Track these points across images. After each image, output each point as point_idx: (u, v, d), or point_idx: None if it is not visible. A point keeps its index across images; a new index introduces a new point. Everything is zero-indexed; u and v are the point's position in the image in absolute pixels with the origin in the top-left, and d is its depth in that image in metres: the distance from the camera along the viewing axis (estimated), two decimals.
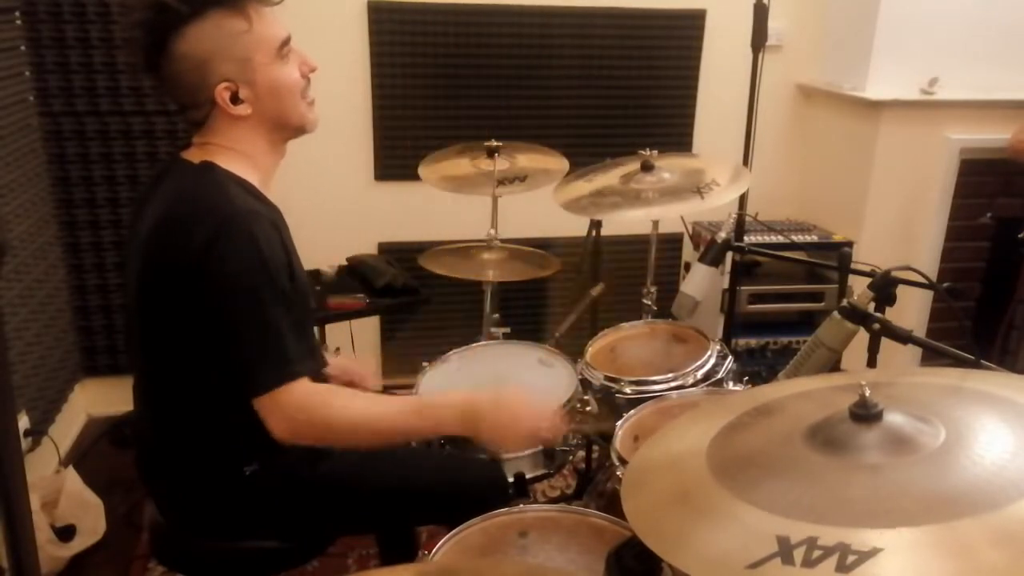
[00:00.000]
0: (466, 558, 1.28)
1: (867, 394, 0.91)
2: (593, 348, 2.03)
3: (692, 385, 1.82)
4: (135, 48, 1.37)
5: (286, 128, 1.45)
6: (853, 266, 1.78)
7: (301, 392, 1.32)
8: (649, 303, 2.34)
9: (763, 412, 1.07)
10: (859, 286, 1.58)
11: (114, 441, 2.87)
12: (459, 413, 1.42)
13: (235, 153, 1.41)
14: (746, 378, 1.99)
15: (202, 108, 1.38)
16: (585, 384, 1.87)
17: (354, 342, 2.75)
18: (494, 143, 2.41)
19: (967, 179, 3.22)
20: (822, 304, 3.16)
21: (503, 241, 2.44)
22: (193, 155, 1.41)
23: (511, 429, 1.42)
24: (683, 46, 3.26)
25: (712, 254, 1.99)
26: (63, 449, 2.76)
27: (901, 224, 3.25)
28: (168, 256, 1.34)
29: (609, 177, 2.18)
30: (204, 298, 1.30)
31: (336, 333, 2.66)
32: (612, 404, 1.83)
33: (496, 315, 2.49)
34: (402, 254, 3.06)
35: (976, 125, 3.16)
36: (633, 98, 3.26)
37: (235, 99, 1.37)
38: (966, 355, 1.44)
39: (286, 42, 1.40)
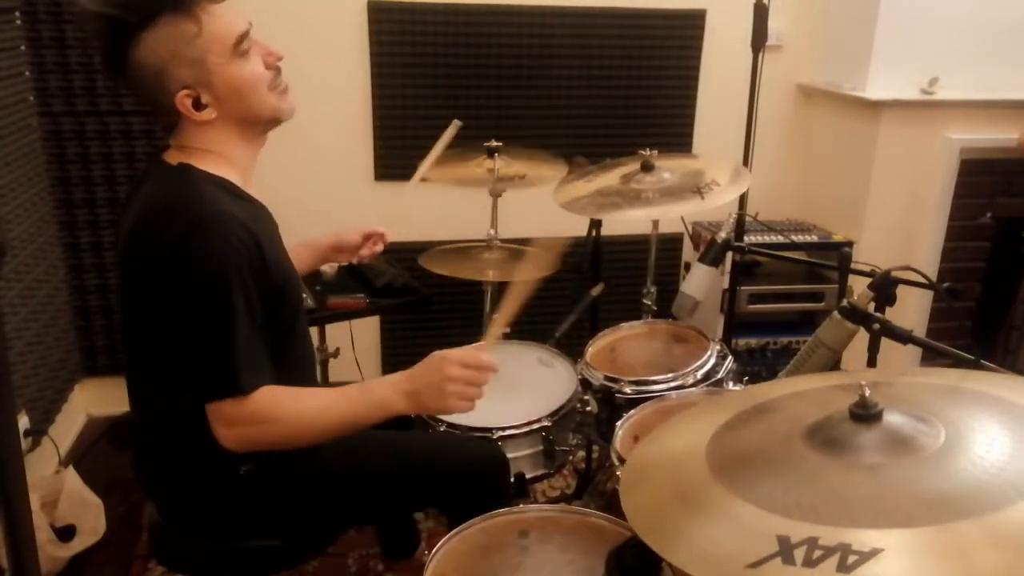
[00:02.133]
0: (466, 558, 1.28)
1: (867, 394, 0.91)
2: (593, 348, 2.03)
3: (692, 385, 1.82)
4: (98, 58, 1.37)
5: (257, 123, 1.44)
6: (853, 266, 1.79)
7: (250, 404, 1.31)
8: (649, 303, 2.34)
9: (762, 411, 1.07)
10: (859, 286, 1.58)
11: (114, 441, 2.87)
12: (397, 389, 1.40)
13: (211, 154, 1.40)
14: (746, 378, 1.99)
15: (169, 114, 1.38)
16: (585, 384, 1.87)
17: (354, 342, 2.75)
18: (494, 143, 2.41)
19: (967, 179, 3.22)
20: (822, 304, 3.16)
21: (503, 241, 2.44)
22: (171, 157, 1.41)
23: (446, 385, 1.38)
24: (683, 46, 3.25)
25: (712, 254, 1.99)
26: (63, 449, 2.76)
27: (901, 224, 3.25)
28: (141, 257, 1.34)
29: (609, 177, 2.18)
30: (171, 300, 1.30)
31: (336, 333, 2.66)
32: (612, 404, 1.83)
33: (496, 315, 2.49)
34: (402, 254, 3.06)
35: (976, 125, 3.15)
36: (633, 98, 3.26)
37: (198, 105, 1.36)
38: (966, 355, 1.44)
39: (243, 37, 1.37)
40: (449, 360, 1.39)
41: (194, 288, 1.29)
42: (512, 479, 1.69)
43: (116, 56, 1.33)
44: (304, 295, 2.43)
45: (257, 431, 1.34)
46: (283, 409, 1.36)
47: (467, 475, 1.55)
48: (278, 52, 1.44)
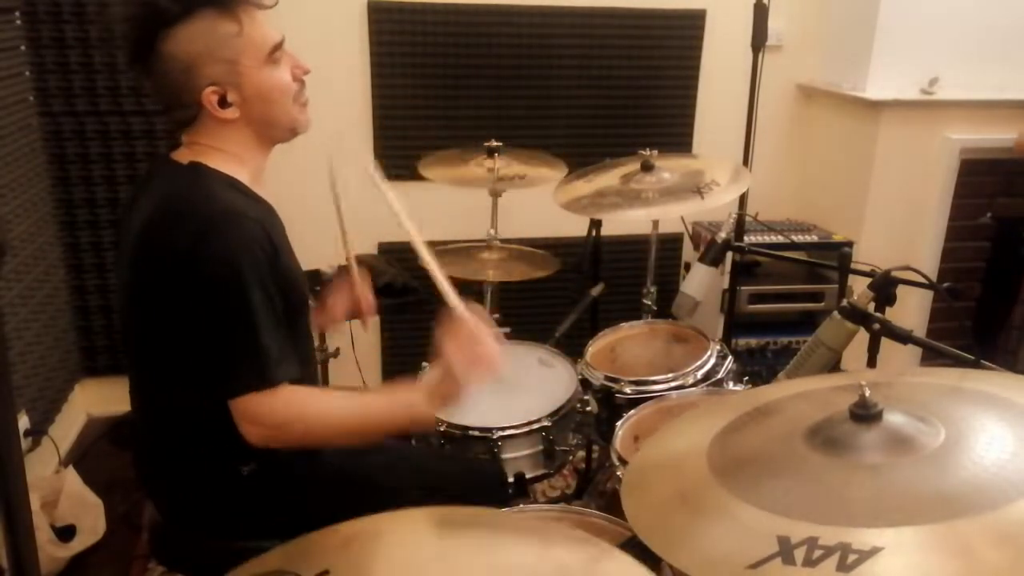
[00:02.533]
0: None
1: (867, 394, 0.91)
2: (593, 348, 2.03)
3: (692, 385, 1.82)
4: (121, 44, 1.36)
5: (276, 130, 1.45)
6: (853, 266, 1.79)
7: (276, 399, 1.31)
8: (649, 303, 2.34)
9: (763, 412, 1.07)
10: (859, 286, 1.58)
11: (114, 441, 2.87)
12: (421, 388, 1.41)
13: (224, 153, 1.40)
14: (746, 378, 1.99)
15: (189, 109, 1.37)
16: (585, 384, 1.87)
17: (354, 342, 2.75)
18: (494, 143, 2.41)
19: (967, 179, 3.22)
20: (822, 304, 3.16)
21: (503, 241, 2.44)
22: (182, 155, 1.41)
23: (453, 365, 1.38)
24: (683, 46, 3.25)
25: (712, 254, 1.99)
26: (63, 449, 2.76)
27: (901, 224, 3.25)
28: (154, 257, 1.34)
29: (609, 177, 2.18)
30: (188, 299, 1.30)
31: (336, 333, 2.66)
32: (612, 404, 1.83)
33: (496, 315, 2.49)
34: (402, 254, 3.05)
35: (976, 125, 3.15)
36: (633, 98, 3.26)
37: (223, 102, 1.36)
38: (966, 355, 1.44)
39: (278, 46, 1.39)
40: (445, 345, 1.40)
41: (214, 287, 1.29)
42: (512, 479, 1.69)
43: (145, 43, 1.33)
44: None
45: (283, 427, 1.33)
46: (309, 406, 1.36)
47: (468, 497, 1.55)
48: (305, 66, 1.45)
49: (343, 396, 1.44)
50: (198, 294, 1.29)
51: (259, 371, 1.30)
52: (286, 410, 1.32)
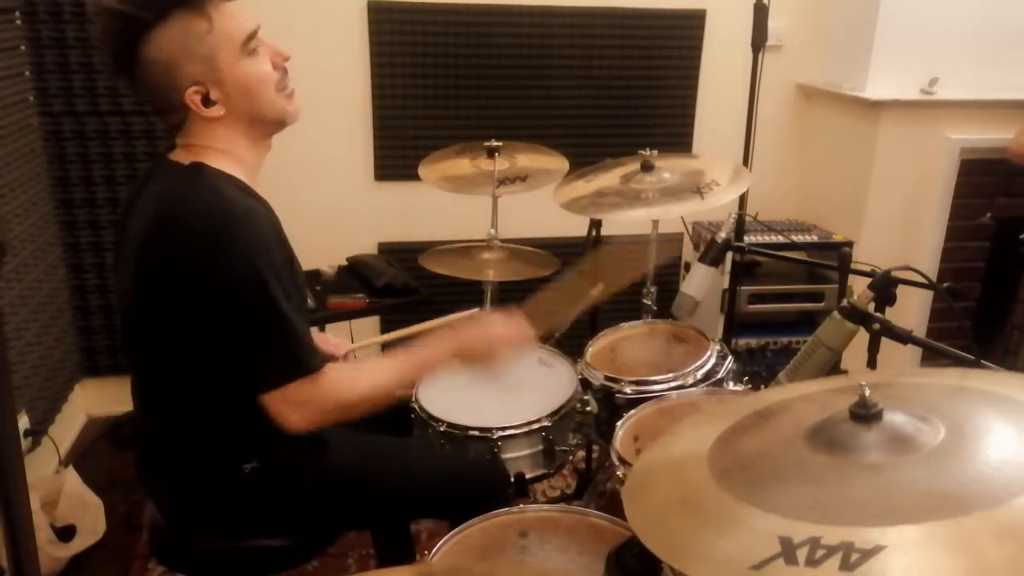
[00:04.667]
0: (466, 558, 1.28)
1: (867, 394, 0.91)
2: (593, 348, 2.03)
3: (692, 385, 1.82)
4: (105, 56, 1.37)
5: (264, 123, 1.44)
6: (853, 266, 1.79)
7: (323, 383, 1.35)
8: (649, 303, 2.34)
9: (764, 415, 1.07)
10: (859, 286, 1.58)
11: (114, 441, 2.87)
12: (449, 350, 1.49)
13: (219, 152, 1.40)
14: (746, 378, 1.99)
15: (177, 112, 1.38)
16: (585, 384, 1.87)
17: (354, 342, 2.74)
18: (494, 143, 2.41)
19: (967, 179, 3.22)
20: (822, 304, 3.16)
21: (503, 241, 2.44)
22: (180, 156, 1.41)
23: (496, 342, 1.50)
24: (683, 46, 3.26)
25: (712, 254, 1.99)
26: (63, 449, 2.76)
27: (901, 224, 3.25)
28: (167, 258, 1.33)
29: (609, 177, 2.18)
30: (209, 299, 1.30)
31: (336, 333, 2.65)
32: (612, 404, 1.83)
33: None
34: (402, 254, 3.06)
35: (976, 125, 3.15)
36: (633, 98, 3.26)
37: (207, 101, 1.36)
38: (966, 355, 1.44)
39: (252, 36, 1.38)
40: (494, 320, 1.53)
41: (238, 285, 1.29)
42: (512, 479, 1.69)
43: (126, 52, 1.33)
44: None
45: (327, 409, 1.37)
46: (348, 385, 1.40)
47: (469, 496, 1.56)
48: (285, 53, 1.45)
49: (376, 367, 1.48)
50: (221, 294, 1.30)
51: (301, 359, 1.33)
52: (330, 392, 1.36)
